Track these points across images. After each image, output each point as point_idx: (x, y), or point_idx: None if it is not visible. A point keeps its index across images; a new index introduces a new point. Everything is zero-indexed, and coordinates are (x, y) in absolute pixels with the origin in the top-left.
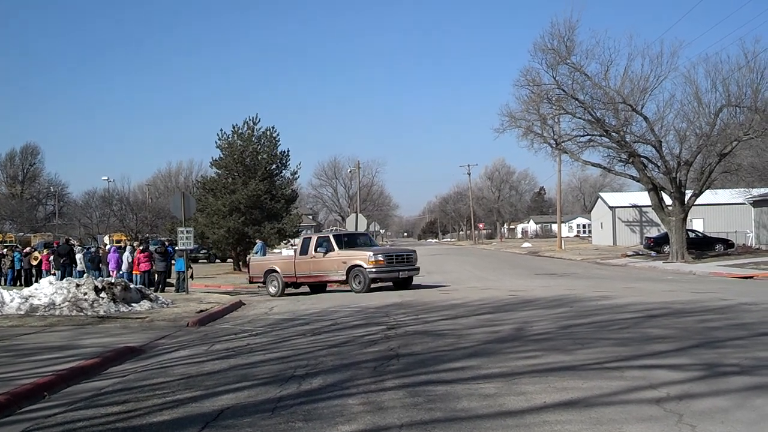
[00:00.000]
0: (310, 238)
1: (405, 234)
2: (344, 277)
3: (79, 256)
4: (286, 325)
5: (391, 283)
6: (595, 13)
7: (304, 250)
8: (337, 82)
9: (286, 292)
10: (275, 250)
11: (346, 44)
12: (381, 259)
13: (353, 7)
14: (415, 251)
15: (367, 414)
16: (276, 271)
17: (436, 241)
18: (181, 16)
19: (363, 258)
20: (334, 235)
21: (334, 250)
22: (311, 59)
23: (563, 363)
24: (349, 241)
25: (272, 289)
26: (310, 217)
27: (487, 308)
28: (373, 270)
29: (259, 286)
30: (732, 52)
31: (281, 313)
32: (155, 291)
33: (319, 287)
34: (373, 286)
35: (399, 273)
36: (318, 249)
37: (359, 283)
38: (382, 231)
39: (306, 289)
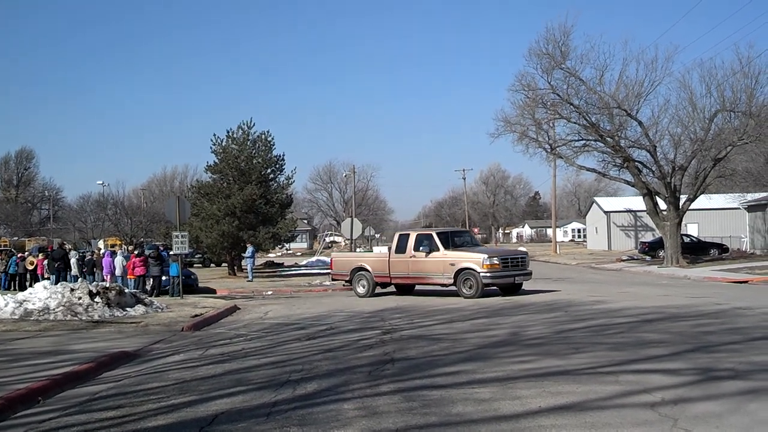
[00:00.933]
0: (408, 235)
1: None
2: (451, 281)
3: (73, 261)
4: (281, 330)
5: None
6: (589, 18)
7: (400, 249)
8: (331, 87)
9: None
10: (270, 255)
11: (341, 50)
12: (497, 262)
13: (348, 14)
14: (527, 253)
15: (362, 419)
16: (365, 270)
17: None
18: (176, 22)
19: (476, 261)
20: (438, 233)
21: (438, 250)
22: (306, 64)
23: (558, 367)
24: (454, 240)
25: (360, 289)
26: (306, 221)
27: (481, 313)
28: (488, 275)
29: (344, 284)
30: (726, 57)
31: (276, 318)
32: (150, 295)
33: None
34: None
35: (515, 278)
36: (420, 248)
37: (470, 288)
38: (377, 235)
39: (301, 294)
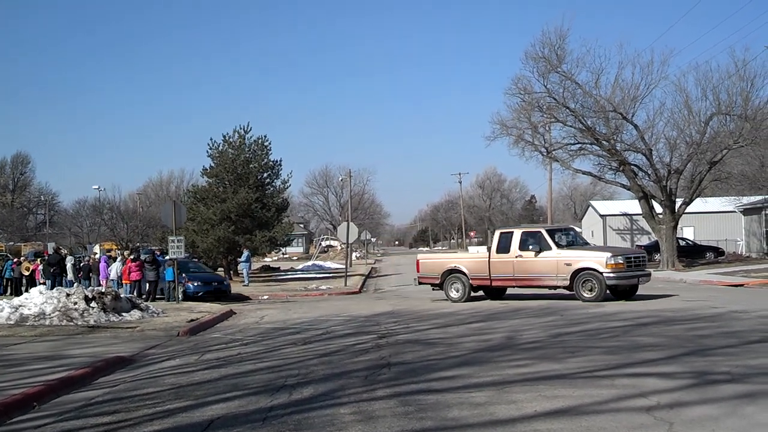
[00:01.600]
0: (510, 233)
1: (396, 242)
2: (566, 282)
3: (69, 266)
4: (277, 334)
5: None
6: (585, 22)
7: (503, 248)
8: (327, 92)
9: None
10: (266, 259)
11: (336, 53)
12: (621, 261)
13: (344, 17)
14: (645, 252)
15: (358, 423)
16: (460, 272)
17: (428, 249)
18: (172, 26)
19: (598, 260)
20: (547, 230)
21: (550, 248)
22: (302, 69)
23: (554, 371)
24: (564, 237)
25: (454, 294)
26: (302, 225)
27: (477, 317)
28: (612, 275)
29: (433, 288)
30: (722, 60)
31: (272, 322)
32: (146, 300)
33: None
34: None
35: (639, 278)
36: (529, 247)
37: (591, 290)
38: (373, 239)
39: (297, 298)
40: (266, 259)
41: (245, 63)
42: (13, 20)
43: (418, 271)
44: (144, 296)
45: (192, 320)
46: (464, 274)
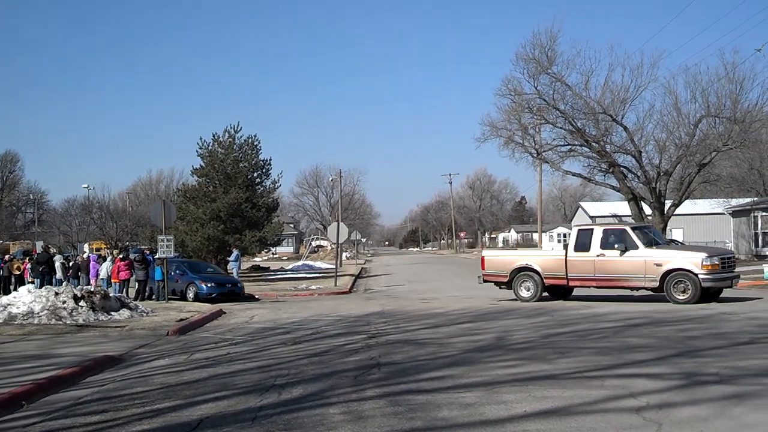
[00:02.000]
0: (591, 230)
1: (386, 243)
2: (656, 284)
3: (59, 265)
4: (267, 334)
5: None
6: (576, 24)
7: (582, 246)
8: (318, 91)
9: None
10: (256, 259)
11: (326, 54)
12: (717, 262)
13: (334, 19)
14: (734, 252)
15: (347, 423)
16: (532, 270)
17: (418, 250)
18: (162, 26)
19: (693, 261)
20: (633, 228)
21: (637, 248)
22: (292, 69)
23: (544, 372)
24: (649, 236)
25: (524, 293)
26: (292, 225)
27: (468, 317)
28: (708, 276)
29: (500, 287)
30: (711, 63)
31: (262, 322)
32: (135, 299)
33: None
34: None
35: (731, 280)
36: (613, 245)
37: (684, 291)
38: (363, 240)
39: (287, 298)
40: (256, 258)
41: (234, 66)
42: (13, 20)
43: (483, 268)
44: (133, 295)
45: (181, 320)
46: (536, 272)
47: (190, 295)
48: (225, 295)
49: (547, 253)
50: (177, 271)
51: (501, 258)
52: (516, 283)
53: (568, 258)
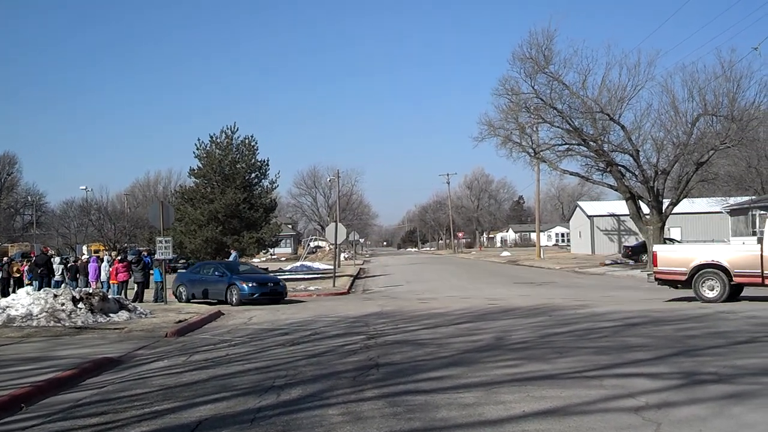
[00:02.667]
0: None
1: (385, 243)
2: None
3: (57, 266)
4: (266, 335)
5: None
6: (573, 24)
7: None
8: (315, 92)
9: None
10: (254, 260)
11: (324, 55)
12: None
13: (333, 19)
14: None
15: (346, 424)
16: (718, 267)
17: (416, 250)
18: (158, 27)
19: None
20: None
21: None
22: (291, 69)
23: (542, 372)
24: None
25: (708, 293)
26: (290, 226)
27: (466, 317)
28: None
29: (679, 286)
30: (708, 61)
31: (260, 323)
32: (134, 301)
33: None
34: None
35: None
36: None
37: None
38: (361, 240)
39: (300, 297)
40: (254, 260)
41: (232, 67)
42: (12, 20)
43: (655, 266)
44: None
45: (180, 321)
46: (724, 269)
47: (233, 297)
48: (267, 295)
49: (738, 249)
50: (215, 273)
51: (678, 255)
52: (697, 281)
53: (764, 254)
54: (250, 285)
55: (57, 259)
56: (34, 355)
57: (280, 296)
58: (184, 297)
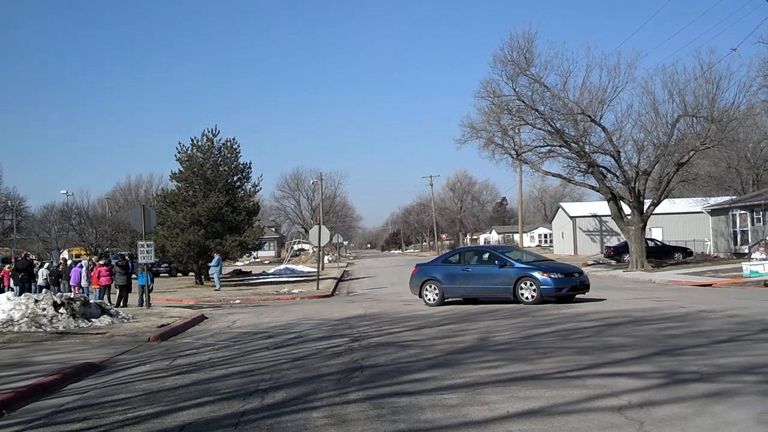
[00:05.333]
0: None
1: (368, 245)
2: None
3: (43, 271)
4: (249, 339)
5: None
6: (552, 26)
7: None
8: (298, 95)
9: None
10: (237, 263)
11: (306, 59)
12: None
13: (316, 24)
14: None
15: (330, 427)
16: None
17: (400, 252)
18: (141, 31)
19: None
20: None
21: None
22: (273, 73)
23: (526, 372)
24: None
25: None
26: (273, 229)
27: (450, 319)
28: None
29: None
30: (688, 63)
31: (244, 327)
32: (117, 305)
33: None
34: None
35: None
36: None
37: None
38: (345, 242)
39: (269, 302)
40: (237, 263)
41: (213, 70)
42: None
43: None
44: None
45: (162, 325)
46: None
47: (529, 294)
48: (576, 289)
49: None
50: (492, 263)
51: None
52: None
53: None
54: (555, 277)
55: (42, 264)
56: (15, 361)
57: (587, 289)
58: (434, 299)
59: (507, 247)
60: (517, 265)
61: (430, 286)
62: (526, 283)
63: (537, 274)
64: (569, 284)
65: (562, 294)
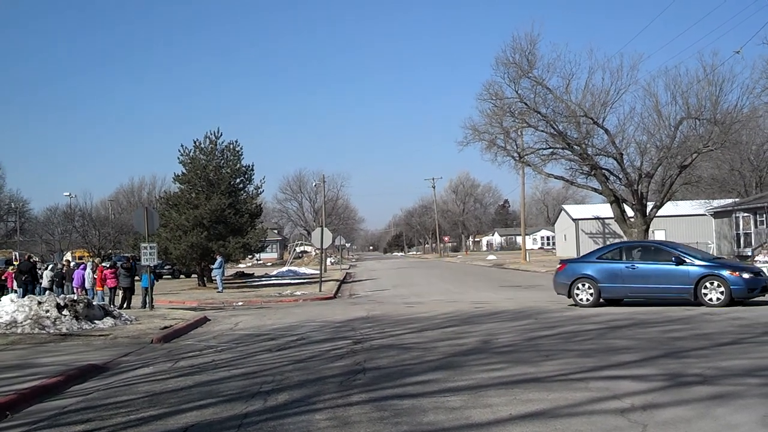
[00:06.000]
0: None
1: (371, 247)
2: None
3: (47, 273)
4: (252, 341)
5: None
6: (553, 26)
7: None
8: (298, 95)
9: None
10: (240, 265)
11: (306, 59)
12: None
13: (316, 24)
14: None
15: (333, 429)
16: None
17: (402, 254)
18: (141, 31)
19: None
20: None
21: None
22: (273, 73)
23: (529, 375)
24: None
25: None
26: (276, 231)
27: (453, 321)
28: None
29: None
30: (691, 65)
31: (246, 329)
32: (120, 307)
33: None
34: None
35: None
36: None
37: None
38: (347, 245)
39: (271, 304)
40: (240, 265)
41: (216, 72)
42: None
43: None
44: (119, 304)
45: (165, 327)
46: None
47: (715, 295)
48: (766, 289)
49: None
50: (667, 260)
51: None
52: None
53: None
54: (746, 277)
55: (46, 266)
56: (19, 363)
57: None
58: (589, 299)
59: (673, 243)
60: (698, 262)
61: (583, 285)
62: (712, 283)
63: (726, 273)
64: (760, 284)
65: (753, 295)
